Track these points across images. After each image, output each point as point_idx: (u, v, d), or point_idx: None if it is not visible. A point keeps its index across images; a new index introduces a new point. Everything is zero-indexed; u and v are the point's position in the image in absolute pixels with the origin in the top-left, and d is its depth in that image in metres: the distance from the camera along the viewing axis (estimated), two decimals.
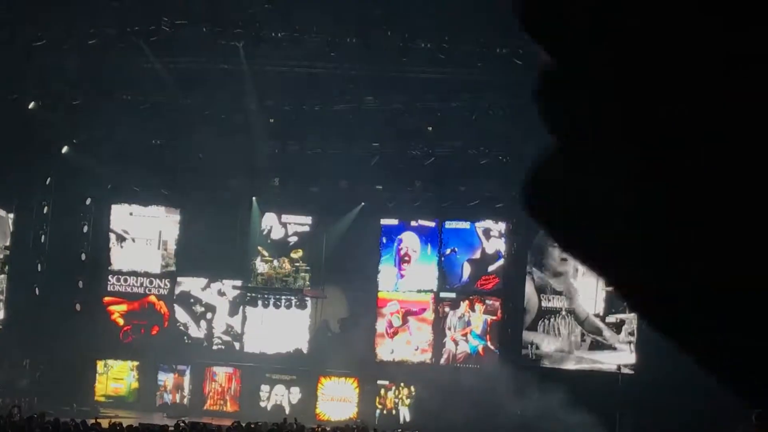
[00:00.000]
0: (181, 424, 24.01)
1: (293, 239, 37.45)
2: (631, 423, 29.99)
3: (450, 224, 36.40)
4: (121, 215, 38.10)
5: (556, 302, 33.59)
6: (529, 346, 33.75)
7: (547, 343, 33.66)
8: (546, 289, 33.76)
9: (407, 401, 35.36)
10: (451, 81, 30.29)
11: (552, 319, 33.57)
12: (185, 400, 36.65)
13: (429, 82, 30.37)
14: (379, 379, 35.70)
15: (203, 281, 37.93)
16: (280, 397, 36.23)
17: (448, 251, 36.36)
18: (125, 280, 37.93)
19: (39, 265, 36.28)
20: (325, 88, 31.35)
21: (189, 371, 37.17)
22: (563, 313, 33.47)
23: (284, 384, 36.31)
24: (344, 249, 36.62)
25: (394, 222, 37.09)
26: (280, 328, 37.01)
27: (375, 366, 36.07)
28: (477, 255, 36.02)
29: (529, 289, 33.93)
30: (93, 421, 23.07)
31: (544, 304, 33.66)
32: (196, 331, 37.82)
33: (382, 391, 35.68)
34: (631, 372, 32.10)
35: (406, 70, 29.64)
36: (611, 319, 33.19)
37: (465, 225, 36.23)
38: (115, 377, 37.40)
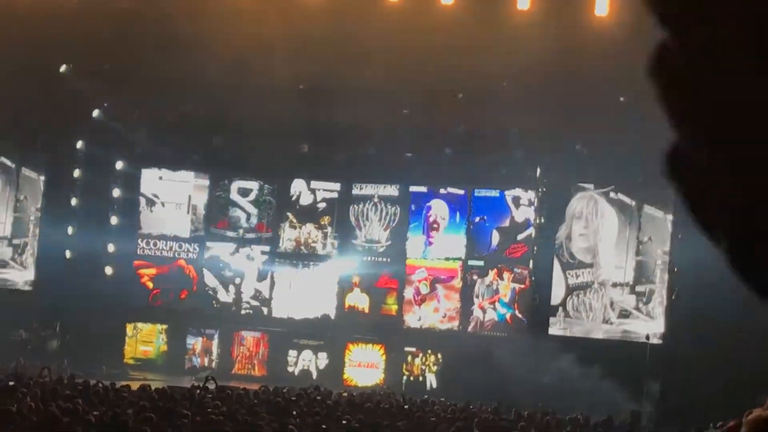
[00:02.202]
0: (210, 377, 24.28)
1: (321, 205, 37.50)
2: (658, 393, 29.95)
3: (479, 192, 36.33)
4: (151, 179, 38.26)
5: (586, 276, 33.39)
6: (558, 314, 33.64)
7: (576, 318, 33.52)
8: (573, 265, 33.56)
9: (434, 368, 35.41)
10: (482, 48, 30.07)
11: (582, 295, 33.39)
12: (213, 364, 36.84)
13: (460, 49, 30.15)
14: (407, 346, 35.75)
15: (232, 246, 38.09)
16: (307, 362, 36.35)
17: (477, 219, 36.31)
18: (155, 244, 38.13)
19: (69, 228, 36.50)
20: (356, 54, 31.21)
21: (217, 335, 37.38)
22: (595, 286, 33.29)
23: (311, 349, 36.42)
24: (372, 216, 36.73)
25: (423, 190, 37.05)
26: (308, 294, 37.14)
27: (402, 333, 36.13)
28: (506, 223, 35.95)
29: (557, 267, 33.74)
30: (122, 383, 23.24)
31: (571, 281, 33.49)
32: (225, 296, 38.00)
33: (409, 358, 35.72)
34: (660, 341, 31.98)
35: (437, 38, 29.45)
36: (641, 288, 33.05)
37: (494, 193, 36.15)
38: (144, 340, 37.66)
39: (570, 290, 33.43)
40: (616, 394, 28.54)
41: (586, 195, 33.62)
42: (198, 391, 21.79)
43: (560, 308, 33.55)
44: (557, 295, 33.53)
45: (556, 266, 33.65)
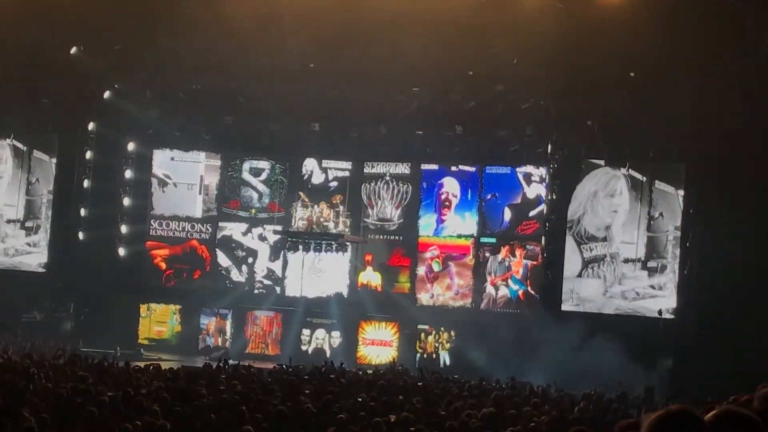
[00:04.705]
0: (223, 357, 24.42)
1: (333, 184, 37.50)
2: (670, 367, 29.94)
3: (490, 169, 36.25)
4: (163, 160, 38.29)
5: (599, 250, 33.36)
6: (570, 290, 33.64)
7: (589, 288, 33.50)
8: (587, 239, 33.50)
9: (447, 345, 35.44)
10: (492, 26, 29.99)
11: (596, 267, 33.35)
12: (227, 344, 36.96)
13: (469, 27, 30.07)
14: (420, 324, 35.77)
15: (244, 226, 38.15)
16: (320, 340, 36.43)
17: (488, 196, 36.25)
18: (167, 225, 38.19)
19: (82, 210, 36.58)
20: (366, 33, 31.15)
21: (231, 315, 37.47)
22: (608, 258, 33.25)
23: (325, 328, 36.50)
24: (384, 194, 36.75)
25: (434, 167, 37.03)
26: (321, 273, 37.20)
27: (415, 310, 36.15)
28: (518, 200, 35.89)
29: (570, 243, 33.67)
30: (136, 363, 23.32)
31: (585, 255, 33.46)
32: (238, 276, 38.08)
33: (423, 336, 35.76)
34: (672, 316, 31.95)
35: (444, 15, 29.37)
36: (652, 264, 33.01)
37: (506, 170, 36.08)
38: (158, 321, 37.77)
39: (586, 263, 33.41)
40: (630, 370, 28.53)
41: (599, 171, 33.54)
42: (215, 369, 21.89)
43: (573, 284, 33.54)
44: (573, 268, 33.52)
45: (569, 241, 33.62)
